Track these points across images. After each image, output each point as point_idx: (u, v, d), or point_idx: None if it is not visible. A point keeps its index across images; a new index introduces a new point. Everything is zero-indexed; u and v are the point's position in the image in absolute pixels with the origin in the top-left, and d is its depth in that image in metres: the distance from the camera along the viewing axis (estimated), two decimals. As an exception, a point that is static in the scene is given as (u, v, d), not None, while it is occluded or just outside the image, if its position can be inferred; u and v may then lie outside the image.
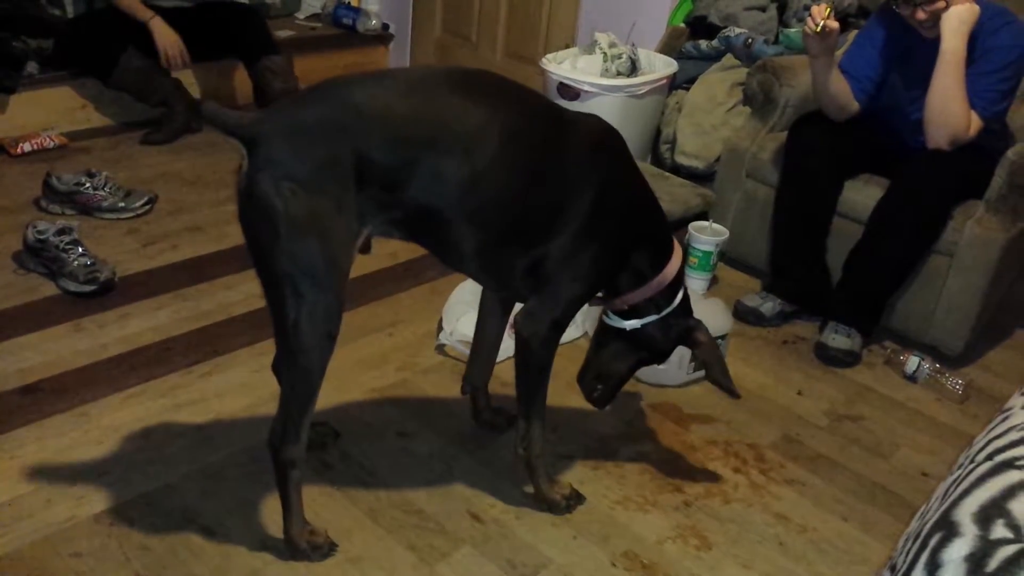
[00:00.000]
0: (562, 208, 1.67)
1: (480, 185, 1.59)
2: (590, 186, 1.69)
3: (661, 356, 1.95)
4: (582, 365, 1.97)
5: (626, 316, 1.86)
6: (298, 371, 1.58)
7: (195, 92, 3.81)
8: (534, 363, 1.77)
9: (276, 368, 1.88)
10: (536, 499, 1.91)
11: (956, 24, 2.32)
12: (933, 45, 2.38)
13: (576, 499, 1.92)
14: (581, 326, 2.51)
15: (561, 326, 1.76)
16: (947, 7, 2.32)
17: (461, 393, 2.15)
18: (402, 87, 1.59)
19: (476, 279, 1.86)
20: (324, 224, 1.49)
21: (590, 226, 1.69)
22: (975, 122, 2.41)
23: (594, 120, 1.78)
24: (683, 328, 1.88)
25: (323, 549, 1.73)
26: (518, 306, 1.81)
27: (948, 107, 2.38)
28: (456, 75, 1.68)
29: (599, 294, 1.87)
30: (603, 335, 1.93)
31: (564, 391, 2.09)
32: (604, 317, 1.92)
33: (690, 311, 1.91)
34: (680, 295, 1.88)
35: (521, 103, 1.68)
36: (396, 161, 1.53)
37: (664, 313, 1.85)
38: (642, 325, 1.86)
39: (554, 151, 1.68)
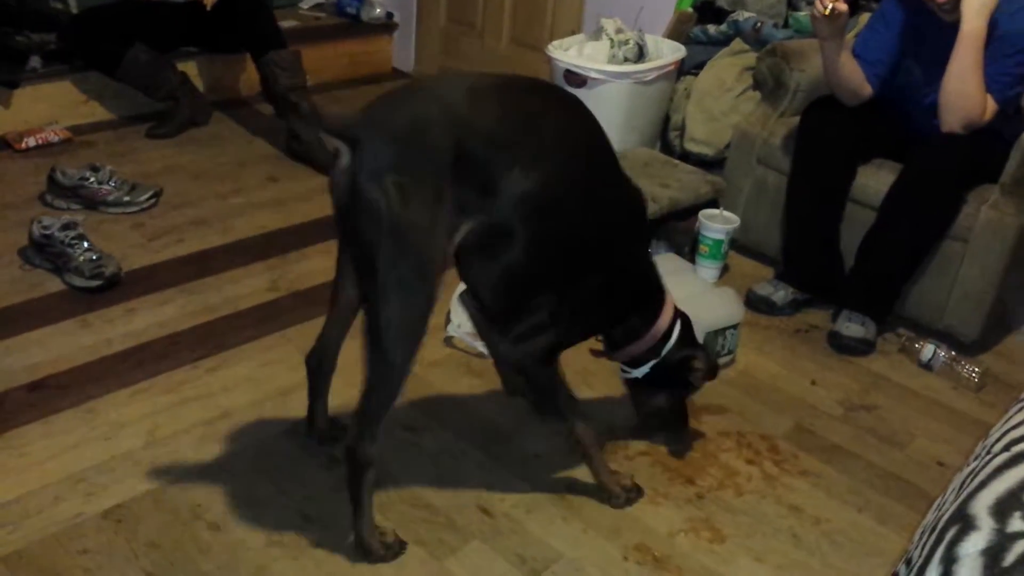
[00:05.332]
0: (596, 254, 1.74)
1: (551, 206, 1.62)
2: (621, 241, 1.79)
3: (685, 384, 1.99)
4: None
5: (633, 365, 1.95)
6: (385, 368, 1.57)
7: (200, 85, 3.79)
8: (538, 381, 1.82)
9: (309, 361, 1.89)
10: (596, 490, 1.91)
11: (978, 6, 2.28)
12: (950, 28, 2.33)
13: (636, 492, 1.93)
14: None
15: (554, 351, 1.81)
16: None
17: (508, 396, 2.19)
18: (499, 91, 1.63)
19: (489, 304, 1.81)
20: (426, 220, 1.50)
21: (609, 281, 1.78)
22: (990, 106, 2.37)
23: (629, 178, 1.86)
24: (682, 357, 1.93)
25: (395, 548, 1.73)
26: None
27: (965, 90, 2.34)
28: (547, 90, 1.75)
29: (601, 345, 1.98)
30: (629, 385, 2.02)
31: (575, 381, 2.06)
32: (621, 371, 2.01)
33: (691, 341, 1.96)
34: (676, 332, 1.92)
35: (595, 136, 1.73)
36: (490, 160, 1.55)
37: (663, 355, 1.92)
38: (650, 370, 1.93)
39: (609, 196, 1.75)
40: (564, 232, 1.66)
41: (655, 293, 1.92)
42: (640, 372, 1.94)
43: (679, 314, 1.95)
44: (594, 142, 1.73)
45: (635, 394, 2.03)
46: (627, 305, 1.87)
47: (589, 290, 1.76)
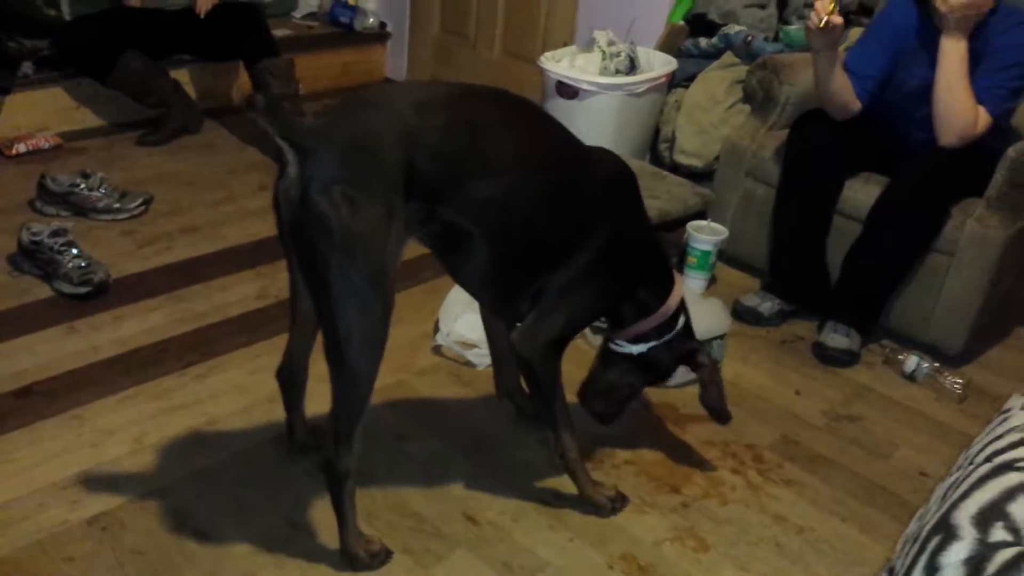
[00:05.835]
0: (578, 239, 1.74)
1: (511, 208, 1.63)
2: (606, 221, 1.76)
3: (665, 375, 2.01)
4: (583, 384, 2.00)
5: (632, 342, 1.93)
6: (350, 381, 1.58)
7: (192, 93, 3.80)
8: (539, 379, 1.82)
9: (279, 376, 1.89)
10: (581, 502, 1.91)
11: (959, 18, 2.31)
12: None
13: (621, 500, 1.93)
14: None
15: (560, 345, 1.81)
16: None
17: (498, 399, 2.18)
18: (450, 102, 1.62)
19: (480, 298, 1.90)
20: (377, 233, 1.50)
21: (601, 259, 1.76)
22: (983, 119, 2.39)
23: (609, 155, 1.88)
24: (685, 351, 1.95)
25: (380, 556, 1.73)
26: None
27: (953, 103, 2.37)
28: (498, 97, 1.73)
29: (604, 325, 1.97)
30: (608, 357, 1.98)
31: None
32: (610, 344, 1.97)
33: (692, 335, 1.97)
34: (682, 320, 1.94)
35: (552, 134, 1.75)
36: (441, 173, 1.55)
37: (666, 339, 1.92)
38: (648, 350, 1.92)
39: (577, 184, 1.75)
40: (530, 226, 1.67)
41: (663, 267, 1.92)
42: (637, 349, 1.92)
43: (685, 305, 1.95)
44: (548, 137, 1.74)
45: (606, 367, 1.96)
46: (634, 278, 1.85)
47: (586, 267, 1.74)
